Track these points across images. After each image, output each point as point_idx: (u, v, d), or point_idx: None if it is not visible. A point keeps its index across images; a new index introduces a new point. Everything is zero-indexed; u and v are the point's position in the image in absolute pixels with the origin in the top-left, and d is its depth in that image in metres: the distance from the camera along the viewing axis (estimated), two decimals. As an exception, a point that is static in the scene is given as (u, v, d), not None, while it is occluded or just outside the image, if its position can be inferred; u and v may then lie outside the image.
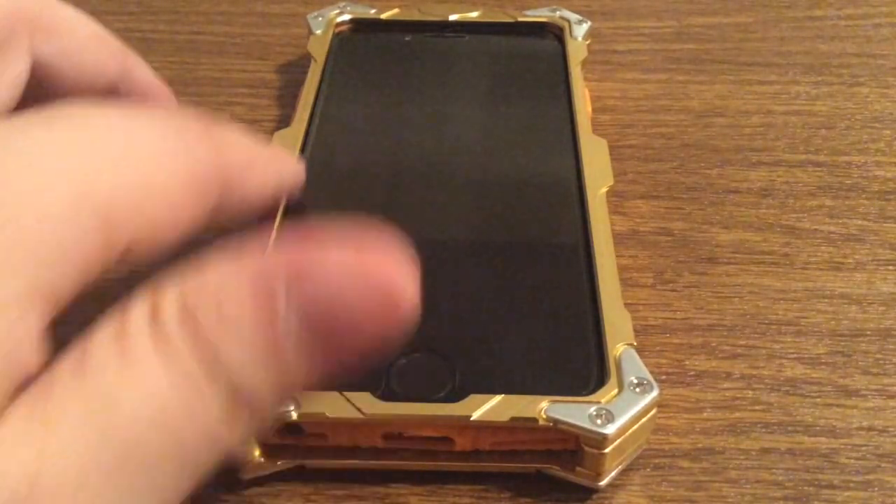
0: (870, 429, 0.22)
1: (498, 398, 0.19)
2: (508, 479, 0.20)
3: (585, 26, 0.32)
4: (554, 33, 0.32)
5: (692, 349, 0.23)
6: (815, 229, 0.27)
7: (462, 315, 0.22)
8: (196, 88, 0.33)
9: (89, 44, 0.22)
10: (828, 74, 0.34)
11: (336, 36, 0.32)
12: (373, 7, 0.33)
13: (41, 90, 0.21)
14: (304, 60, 0.31)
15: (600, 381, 0.20)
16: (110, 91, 0.23)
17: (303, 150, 0.26)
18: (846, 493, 0.20)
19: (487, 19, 0.33)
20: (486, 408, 0.19)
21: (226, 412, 0.13)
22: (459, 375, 0.20)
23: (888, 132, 0.31)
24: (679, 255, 0.26)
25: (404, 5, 0.33)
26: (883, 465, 0.21)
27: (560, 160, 0.26)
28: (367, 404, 0.19)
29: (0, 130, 0.14)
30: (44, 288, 0.14)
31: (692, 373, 0.23)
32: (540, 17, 0.33)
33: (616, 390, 0.19)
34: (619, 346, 0.20)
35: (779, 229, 0.27)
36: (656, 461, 0.21)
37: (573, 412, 0.19)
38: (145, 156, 0.16)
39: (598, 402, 0.19)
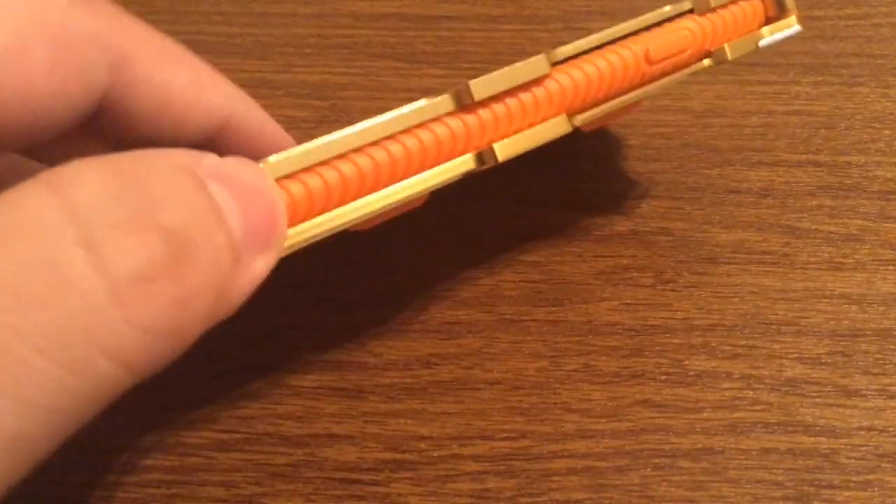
0: (870, 429, 0.22)
1: None
2: (509, 476, 0.20)
3: None
4: None
5: (692, 349, 0.24)
6: (815, 229, 0.27)
7: None
8: (196, 88, 0.33)
9: (185, 95, 0.19)
10: (828, 74, 0.34)
11: None
12: None
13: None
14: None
15: None
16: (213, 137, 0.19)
17: None
18: (846, 493, 0.20)
19: None
20: None
21: None
22: None
23: (888, 132, 0.31)
24: (679, 255, 0.26)
25: None
26: (883, 465, 0.21)
27: None
28: None
29: None
30: None
31: (692, 373, 0.23)
32: None
33: None
34: None
35: (779, 229, 0.27)
36: (656, 461, 0.21)
37: None
38: None
39: None
